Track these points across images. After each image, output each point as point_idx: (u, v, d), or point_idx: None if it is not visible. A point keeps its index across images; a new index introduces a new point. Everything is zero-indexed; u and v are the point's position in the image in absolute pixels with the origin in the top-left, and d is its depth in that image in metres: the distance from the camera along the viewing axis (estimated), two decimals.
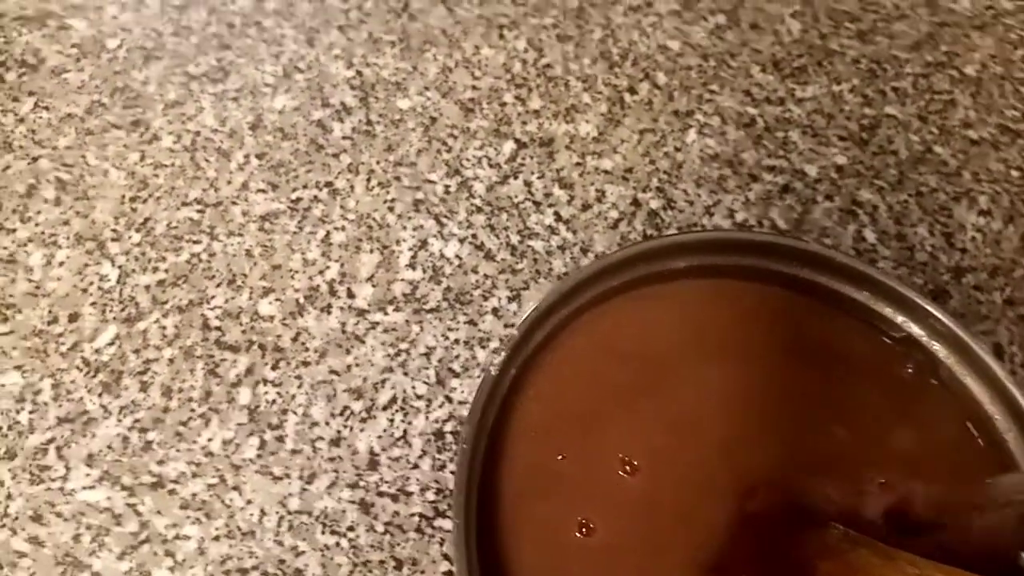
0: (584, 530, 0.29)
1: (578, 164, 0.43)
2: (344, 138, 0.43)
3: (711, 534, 0.29)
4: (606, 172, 0.43)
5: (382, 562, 0.35)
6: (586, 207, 0.42)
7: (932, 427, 0.32)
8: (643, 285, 0.33)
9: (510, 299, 0.40)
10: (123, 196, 0.41)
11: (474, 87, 0.45)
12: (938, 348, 0.33)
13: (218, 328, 0.39)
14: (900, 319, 0.34)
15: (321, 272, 0.40)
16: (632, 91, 0.46)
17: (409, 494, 0.36)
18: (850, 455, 0.31)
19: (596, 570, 0.29)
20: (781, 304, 0.34)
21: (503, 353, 0.30)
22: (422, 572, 0.35)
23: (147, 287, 0.39)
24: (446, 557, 0.35)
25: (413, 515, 0.35)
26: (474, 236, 0.41)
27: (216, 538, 0.35)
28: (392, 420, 0.37)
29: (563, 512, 0.30)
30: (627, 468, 0.30)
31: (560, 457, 0.31)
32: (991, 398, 0.32)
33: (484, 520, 0.29)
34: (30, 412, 0.36)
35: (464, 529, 0.27)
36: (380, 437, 0.37)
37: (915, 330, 0.34)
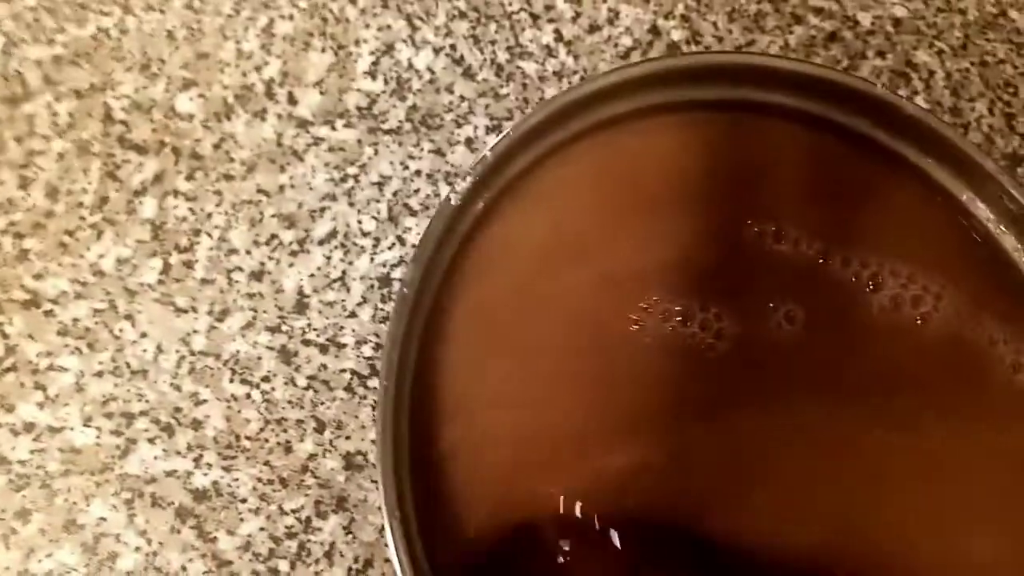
0: None
1: None
2: None
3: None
4: None
5: (300, 421, 0.29)
6: (594, 28, 0.35)
7: None
8: (654, 115, 0.26)
9: (489, 129, 0.33)
10: None
11: None
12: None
13: (123, 122, 0.31)
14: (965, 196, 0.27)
15: (258, 68, 0.32)
16: None
17: (341, 346, 0.30)
18: None
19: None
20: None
21: (469, 179, 0.23)
22: (347, 438, 0.29)
23: (39, 62, 0.31)
24: None
25: (344, 371, 0.29)
26: (453, 47, 0.34)
27: (99, 374, 0.28)
28: (329, 257, 0.31)
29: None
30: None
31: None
32: None
33: (424, 386, 0.23)
34: None
35: (394, 394, 0.21)
36: (313, 276, 0.30)
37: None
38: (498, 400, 0.24)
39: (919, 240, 0.27)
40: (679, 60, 0.27)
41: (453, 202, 0.23)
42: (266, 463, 0.28)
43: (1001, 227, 0.27)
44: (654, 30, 0.35)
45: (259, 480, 0.28)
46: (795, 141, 0.28)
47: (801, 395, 0.25)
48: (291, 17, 0.33)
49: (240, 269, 0.30)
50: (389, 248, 0.31)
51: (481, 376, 0.24)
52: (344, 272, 0.30)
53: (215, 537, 0.28)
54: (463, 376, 0.24)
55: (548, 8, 0.35)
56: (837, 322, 0.26)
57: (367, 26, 0.33)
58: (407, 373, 0.22)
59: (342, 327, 0.30)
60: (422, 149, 0.32)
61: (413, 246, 0.31)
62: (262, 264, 0.30)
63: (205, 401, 0.29)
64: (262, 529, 0.28)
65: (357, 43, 0.33)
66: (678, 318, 0.25)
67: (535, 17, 0.34)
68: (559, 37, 0.34)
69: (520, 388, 0.24)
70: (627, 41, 0.35)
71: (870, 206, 0.28)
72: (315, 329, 0.30)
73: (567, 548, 0.23)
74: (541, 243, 0.26)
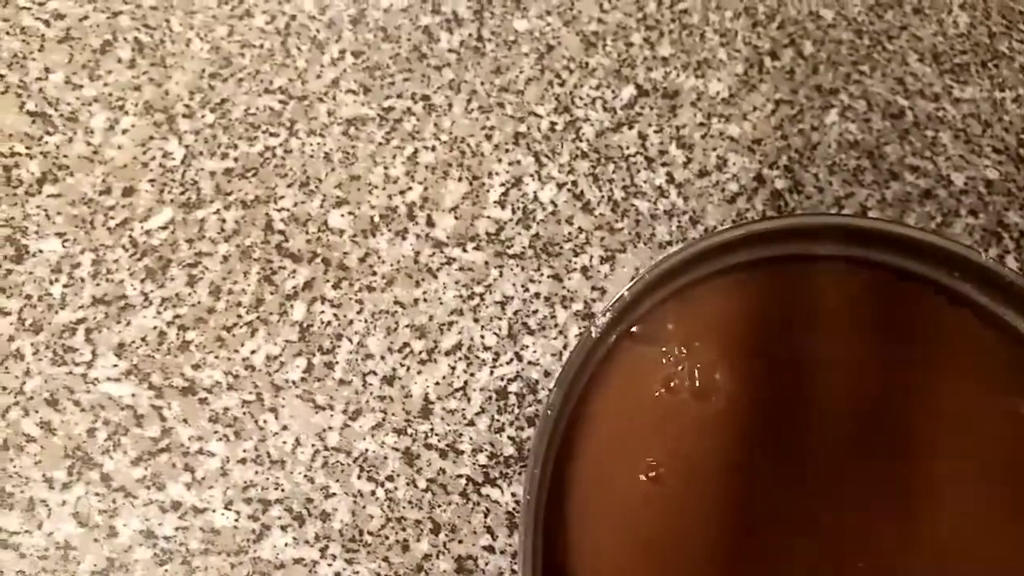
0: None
1: (702, 124, 0.39)
2: (450, 51, 0.39)
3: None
4: (731, 139, 0.39)
5: (418, 522, 0.31)
6: (703, 173, 0.38)
7: None
8: (767, 265, 0.29)
9: (603, 259, 0.36)
10: (203, 71, 0.37)
11: (600, 20, 0.41)
12: None
13: (282, 232, 0.35)
14: None
15: (402, 192, 0.36)
16: (774, 56, 0.41)
17: (460, 452, 0.32)
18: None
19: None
20: (945, 317, 0.29)
21: (608, 314, 0.25)
22: (460, 542, 0.31)
23: (212, 174, 0.36)
24: (488, 530, 0.31)
25: (460, 476, 0.32)
26: (574, 183, 0.37)
27: (242, 460, 0.31)
28: (453, 368, 0.33)
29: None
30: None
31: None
32: None
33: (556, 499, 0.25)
34: (64, 286, 0.33)
35: (534, 507, 0.23)
36: (438, 384, 0.33)
37: None
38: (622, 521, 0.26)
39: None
40: (792, 220, 0.30)
41: (593, 335, 0.25)
42: (385, 559, 0.30)
43: None
44: (759, 178, 0.38)
45: (377, 575, 0.30)
46: (895, 294, 0.30)
47: None
48: (433, 148, 0.37)
49: (374, 373, 0.33)
50: (508, 363, 0.33)
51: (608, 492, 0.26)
52: (466, 383, 0.33)
53: None
54: (591, 491, 0.26)
55: (662, 152, 0.38)
56: None
57: (499, 160, 0.37)
58: (544, 487, 0.24)
59: (461, 434, 0.32)
60: (542, 274, 0.35)
61: (530, 363, 0.34)
62: (394, 370, 0.33)
63: (334, 495, 0.31)
64: None
65: (490, 175, 0.37)
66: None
67: (650, 160, 0.38)
68: (671, 179, 0.37)
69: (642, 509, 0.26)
70: (734, 187, 0.38)
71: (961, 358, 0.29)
72: (437, 434, 0.32)
73: None
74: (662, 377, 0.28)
